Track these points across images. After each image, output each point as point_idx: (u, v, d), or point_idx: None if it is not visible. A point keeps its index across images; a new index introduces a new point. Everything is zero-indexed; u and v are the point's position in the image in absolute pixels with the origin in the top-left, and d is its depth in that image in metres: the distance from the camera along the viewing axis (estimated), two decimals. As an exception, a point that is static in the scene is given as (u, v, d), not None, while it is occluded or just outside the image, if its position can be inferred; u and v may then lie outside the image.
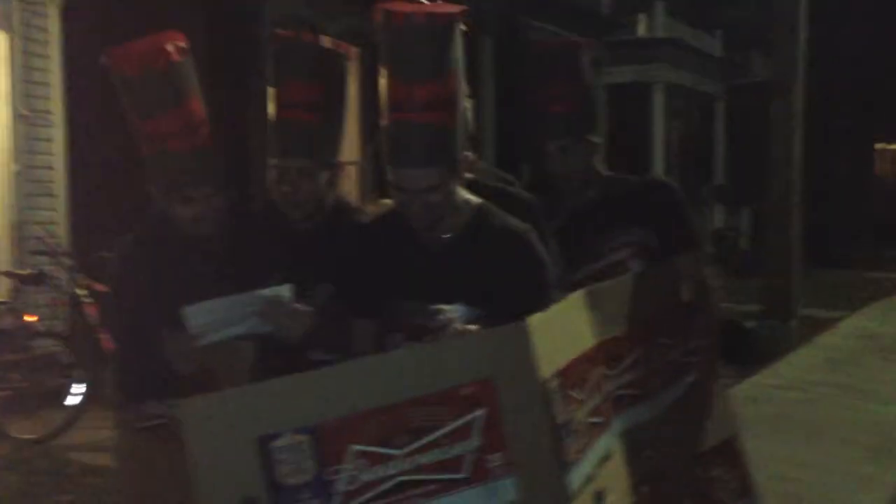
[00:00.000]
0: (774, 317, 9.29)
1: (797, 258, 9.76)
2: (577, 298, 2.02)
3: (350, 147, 9.46)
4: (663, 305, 2.38)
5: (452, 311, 1.90)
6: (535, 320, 1.71)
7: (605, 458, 1.95)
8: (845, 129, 21.28)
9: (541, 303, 1.94)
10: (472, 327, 1.90)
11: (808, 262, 11.14)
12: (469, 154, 2.08)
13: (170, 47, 2.22)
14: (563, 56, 2.53)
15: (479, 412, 1.66)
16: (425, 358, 1.74)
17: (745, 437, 2.60)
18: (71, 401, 5.93)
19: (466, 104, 2.16)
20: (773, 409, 6.47)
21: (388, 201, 2.33)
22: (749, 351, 8.04)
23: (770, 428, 5.74)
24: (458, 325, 1.88)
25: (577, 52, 2.53)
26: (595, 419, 1.92)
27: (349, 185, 9.56)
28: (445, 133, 1.96)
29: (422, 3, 1.98)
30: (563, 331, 1.89)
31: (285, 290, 2.09)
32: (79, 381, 5.99)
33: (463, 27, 1.96)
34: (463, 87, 2.02)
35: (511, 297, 1.97)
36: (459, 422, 1.66)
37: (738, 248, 17.28)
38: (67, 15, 7.47)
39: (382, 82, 1.96)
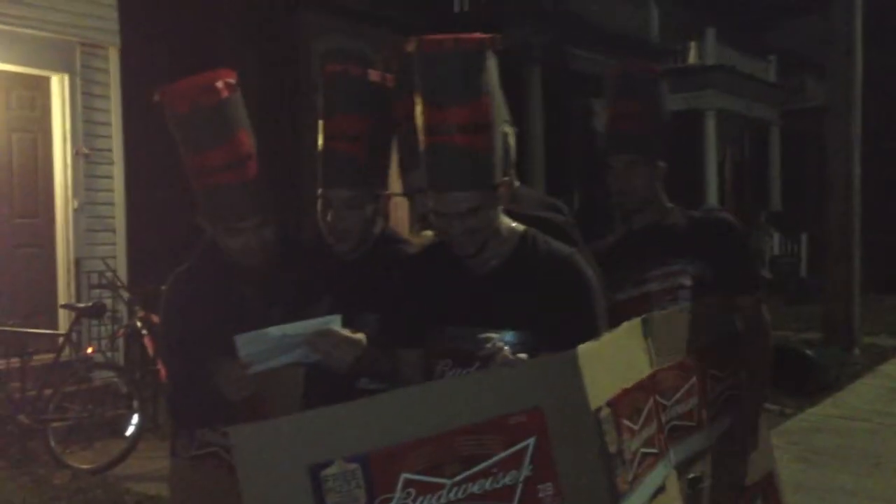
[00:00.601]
0: (836, 345, 9.07)
1: (858, 284, 9.52)
2: (633, 326, 2.00)
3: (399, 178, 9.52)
4: (715, 337, 2.36)
5: (501, 339, 1.89)
6: (585, 349, 1.69)
7: (660, 490, 1.91)
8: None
9: (589, 327, 1.92)
10: (522, 355, 1.88)
11: (868, 287, 10.87)
12: (508, 179, 2.07)
13: (219, 84, 2.26)
14: (639, 79, 2.55)
15: (529, 441, 1.64)
16: (475, 386, 1.73)
17: (808, 468, 2.58)
18: (128, 431, 6.03)
19: (507, 130, 2.16)
20: (836, 439, 6.29)
21: (429, 233, 2.34)
22: (812, 380, 7.84)
23: (834, 458, 5.58)
24: (507, 353, 1.86)
25: (652, 77, 2.55)
26: (649, 450, 1.88)
27: (399, 216, 9.63)
28: (481, 156, 1.97)
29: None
30: (616, 359, 1.87)
31: (335, 321, 2.11)
32: (136, 412, 6.09)
33: (494, 53, 1.98)
34: (500, 113, 2.03)
35: (559, 322, 1.95)
36: (510, 451, 1.64)
37: (797, 274, 16.94)
38: (126, 56, 7.71)
39: (418, 109, 2.00)
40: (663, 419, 2.00)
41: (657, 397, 1.99)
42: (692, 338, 2.22)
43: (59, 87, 7.33)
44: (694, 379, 2.18)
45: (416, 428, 1.66)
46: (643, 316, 2.05)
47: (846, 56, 9.39)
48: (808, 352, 8.18)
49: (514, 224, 2.12)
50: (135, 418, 6.06)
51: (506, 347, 1.87)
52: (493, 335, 1.88)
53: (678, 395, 2.10)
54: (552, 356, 1.73)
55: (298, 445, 1.69)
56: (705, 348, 2.28)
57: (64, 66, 7.29)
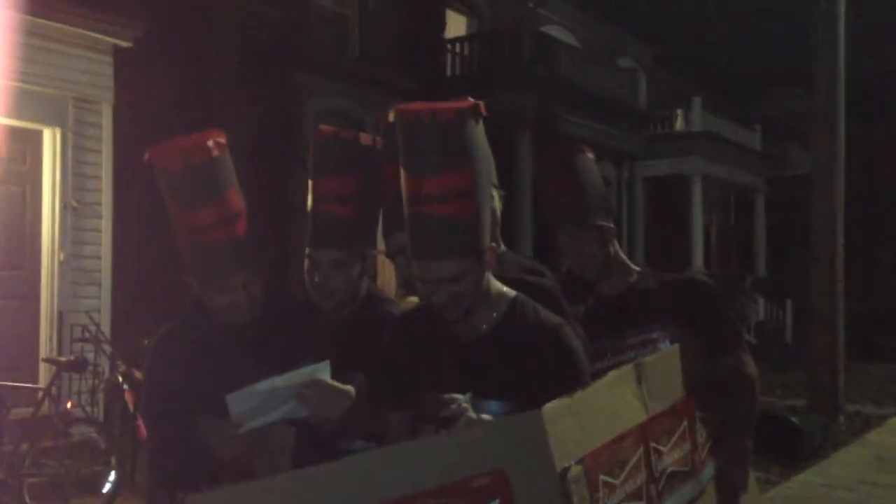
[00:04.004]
0: (820, 412, 9.05)
1: (842, 352, 9.55)
2: (624, 373, 1.98)
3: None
4: (700, 379, 2.35)
5: (465, 400, 1.87)
6: (552, 407, 1.67)
7: None
8: (887, 218, 21.07)
9: None
10: (486, 416, 1.87)
11: (853, 355, 10.88)
12: (494, 245, 2.08)
13: (210, 143, 2.29)
14: (567, 156, 2.65)
15: None
16: (437, 449, 1.70)
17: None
18: (105, 488, 5.92)
19: (493, 194, 2.16)
20: (820, 509, 6.24)
21: (414, 299, 2.34)
22: (797, 447, 7.80)
23: (818, 529, 5.53)
24: (471, 414, 1.84)
25: (578, 153, 2.65)
26: (632, 503, 1.84)
27: (387, 276, 9.64)
28: (464, 223, 1.97)
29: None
30: (599, 411, 1.83)
31: (324, 369, 2.10)
32: (114, 469, 5.99)
33: (479, 118, 1.99)
34: (485, 178, 2.03)
35: (545, 394, 1.94)
36: None
37: (781, 341, 16.96)
38: (119, 113, 7.78)
39: (402, 178, 2.00)
40: (659, 467, 1.97)
41: (653, 444, 1.96)
42: (682, 380, 2.21)
43: (50, 141, 7.38)
44: (686, 422, 2.16)
45: (379, 493, 1.63)
46: (636, 361, 2.03)
47: (829, 130, 9.55)
48: (793, 418, 8.16)
49: (504, 289, 2.11)
50: (112, 475, 5.97)
51: (469, 408, 1.85)
52: (458, 396, 1.86)
53: (673, 440, 2.08)
54: (516, 416, 1.70)
55: None
56: (692, 390, 2.26)
57: (56, 121, 7.34)
